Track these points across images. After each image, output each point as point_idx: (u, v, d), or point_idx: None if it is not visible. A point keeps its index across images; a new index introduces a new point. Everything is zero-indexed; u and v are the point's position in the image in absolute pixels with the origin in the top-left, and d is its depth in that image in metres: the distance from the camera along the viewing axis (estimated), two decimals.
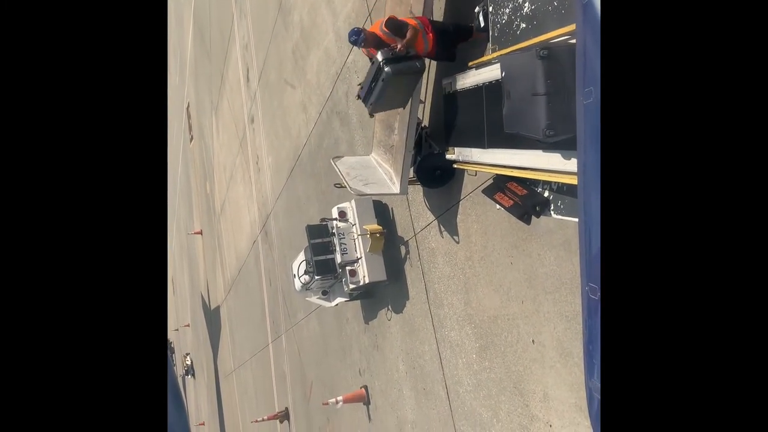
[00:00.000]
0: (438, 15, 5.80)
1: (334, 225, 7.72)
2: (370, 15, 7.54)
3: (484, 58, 4.58)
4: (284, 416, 14.24)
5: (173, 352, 38.22)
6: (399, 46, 4.93)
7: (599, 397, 2.27)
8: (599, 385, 2.26)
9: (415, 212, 6.94)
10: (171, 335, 40.86)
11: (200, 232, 25.32)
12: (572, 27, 3.33)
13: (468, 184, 5.74)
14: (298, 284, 8.79)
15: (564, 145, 3.54)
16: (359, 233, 7.50)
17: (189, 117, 25.09)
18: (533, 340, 4.99)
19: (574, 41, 3.35)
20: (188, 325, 33.43)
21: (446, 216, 6.20)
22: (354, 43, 5.16)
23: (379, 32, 5.11)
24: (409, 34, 4.94)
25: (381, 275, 7.48)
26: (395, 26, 5.01)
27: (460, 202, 5.90)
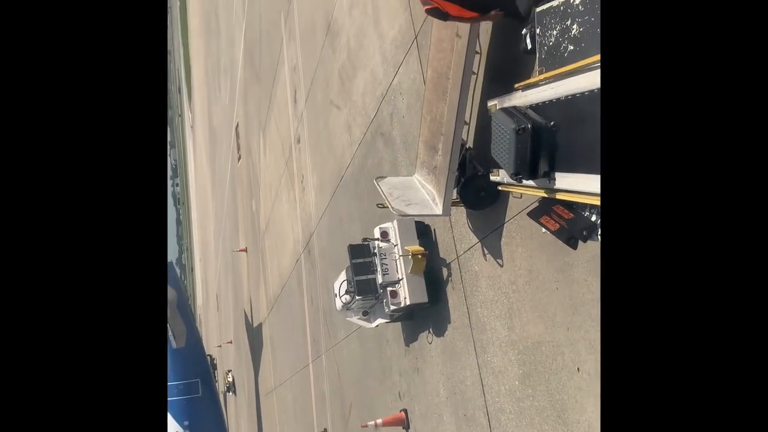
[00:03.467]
0: (484, 38, 5.79)
1: (376, 245, 7.72)
2: (416, 37, 7.60)
3: (531, 80, 4.54)
4: None
5: (215, 368, 38.76)
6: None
7: None
8: None
9: (457, 234, 6.88)
10: (214, 351, 41.46)
11: (245, 250, 25.73)
12: None
13: (513, 207, 5.66)
14: (339, 304, 8.80)
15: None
16: (401, 254, 7.47)
17: (238, 137, 25.69)
18: (578, 368, 4.84)
19: None
20: (231, 342, 33.86)
21: (490, 238, 6.12)
22: None
23: None
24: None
25: (422, 297, 7.42)
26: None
27: (505, 225, 5.82)
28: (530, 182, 4.58)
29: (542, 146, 4.22)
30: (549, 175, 4.32)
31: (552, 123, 4.21)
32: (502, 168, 4.78)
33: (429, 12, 4.98)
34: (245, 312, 26.54)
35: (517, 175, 4.46)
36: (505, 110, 4.62)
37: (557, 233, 4.21)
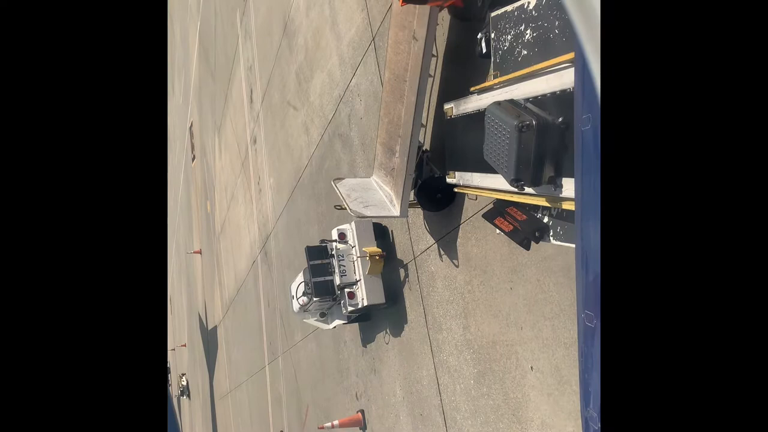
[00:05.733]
0: (441, 42, 5.86)
1: (334, 246, 7.71)
2: (373, 39, 7.63)
3: (486, 84, 4.61)
4: None
5: (169, 372, 37.92)
6: None
7: (595, 427, 2.24)
8: (595, 414, 2.24)
9: (415, 235, 6.93)
10: (167, 354, 40.58)
11: (200, 252, 25.29)
12: (572, 55, 3.36)
13: (468, 208, 5.74)
14: (296, 306, 8.75)
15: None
16: (358, 255, 7.48)
17: (192, 136, 25.23)
18: (532, 367, 4.94)
19: None
20: (185, 345, 33.23)
21: (446, 240, 6.20)
22: None
23: None
24: None
25: (380, 298, 7.45)
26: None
27: (460, 226, 5.90)
28: (531, 190, 3.87)
29: (548, 147, 3.49)
30: (555, 182, 3.62)
31: (561, 119, 3.47)
32: (498, 172, 4.06)
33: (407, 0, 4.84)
34: (200, 315, 26.08)
35: (518, 181, 3.71)
36: (500, 105, 3.87)
37: (511, 234, 4.29)
